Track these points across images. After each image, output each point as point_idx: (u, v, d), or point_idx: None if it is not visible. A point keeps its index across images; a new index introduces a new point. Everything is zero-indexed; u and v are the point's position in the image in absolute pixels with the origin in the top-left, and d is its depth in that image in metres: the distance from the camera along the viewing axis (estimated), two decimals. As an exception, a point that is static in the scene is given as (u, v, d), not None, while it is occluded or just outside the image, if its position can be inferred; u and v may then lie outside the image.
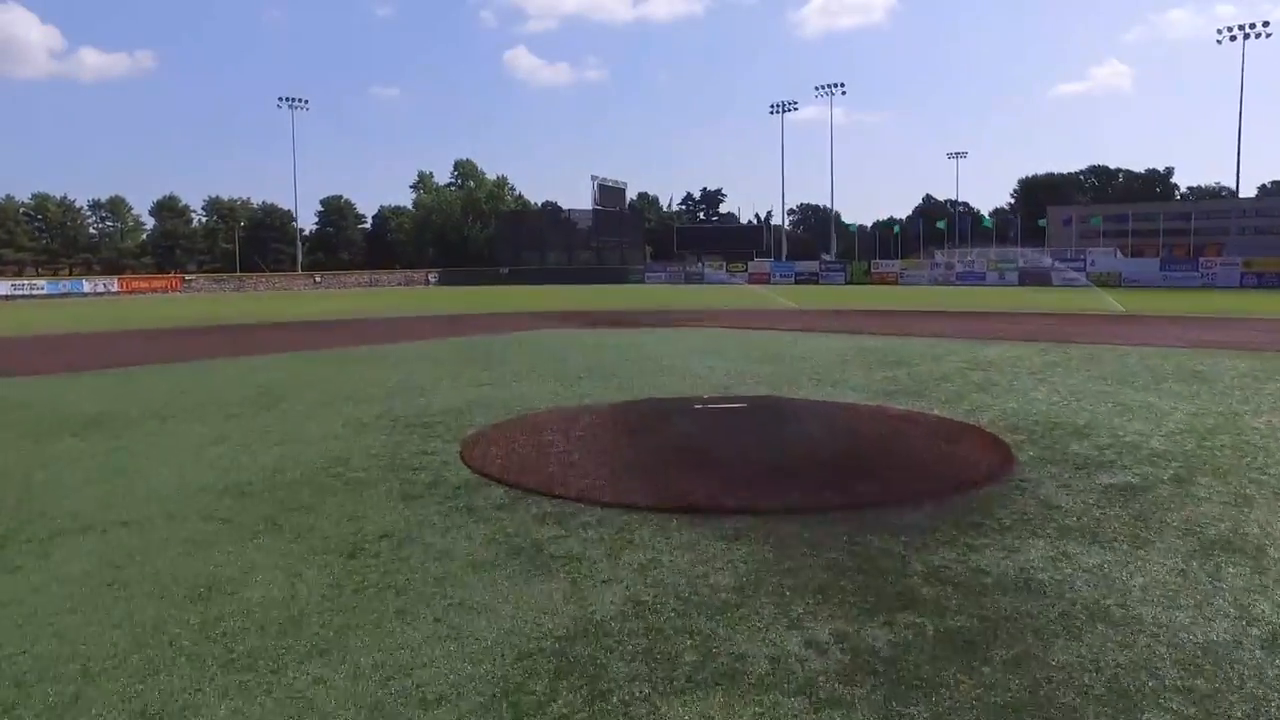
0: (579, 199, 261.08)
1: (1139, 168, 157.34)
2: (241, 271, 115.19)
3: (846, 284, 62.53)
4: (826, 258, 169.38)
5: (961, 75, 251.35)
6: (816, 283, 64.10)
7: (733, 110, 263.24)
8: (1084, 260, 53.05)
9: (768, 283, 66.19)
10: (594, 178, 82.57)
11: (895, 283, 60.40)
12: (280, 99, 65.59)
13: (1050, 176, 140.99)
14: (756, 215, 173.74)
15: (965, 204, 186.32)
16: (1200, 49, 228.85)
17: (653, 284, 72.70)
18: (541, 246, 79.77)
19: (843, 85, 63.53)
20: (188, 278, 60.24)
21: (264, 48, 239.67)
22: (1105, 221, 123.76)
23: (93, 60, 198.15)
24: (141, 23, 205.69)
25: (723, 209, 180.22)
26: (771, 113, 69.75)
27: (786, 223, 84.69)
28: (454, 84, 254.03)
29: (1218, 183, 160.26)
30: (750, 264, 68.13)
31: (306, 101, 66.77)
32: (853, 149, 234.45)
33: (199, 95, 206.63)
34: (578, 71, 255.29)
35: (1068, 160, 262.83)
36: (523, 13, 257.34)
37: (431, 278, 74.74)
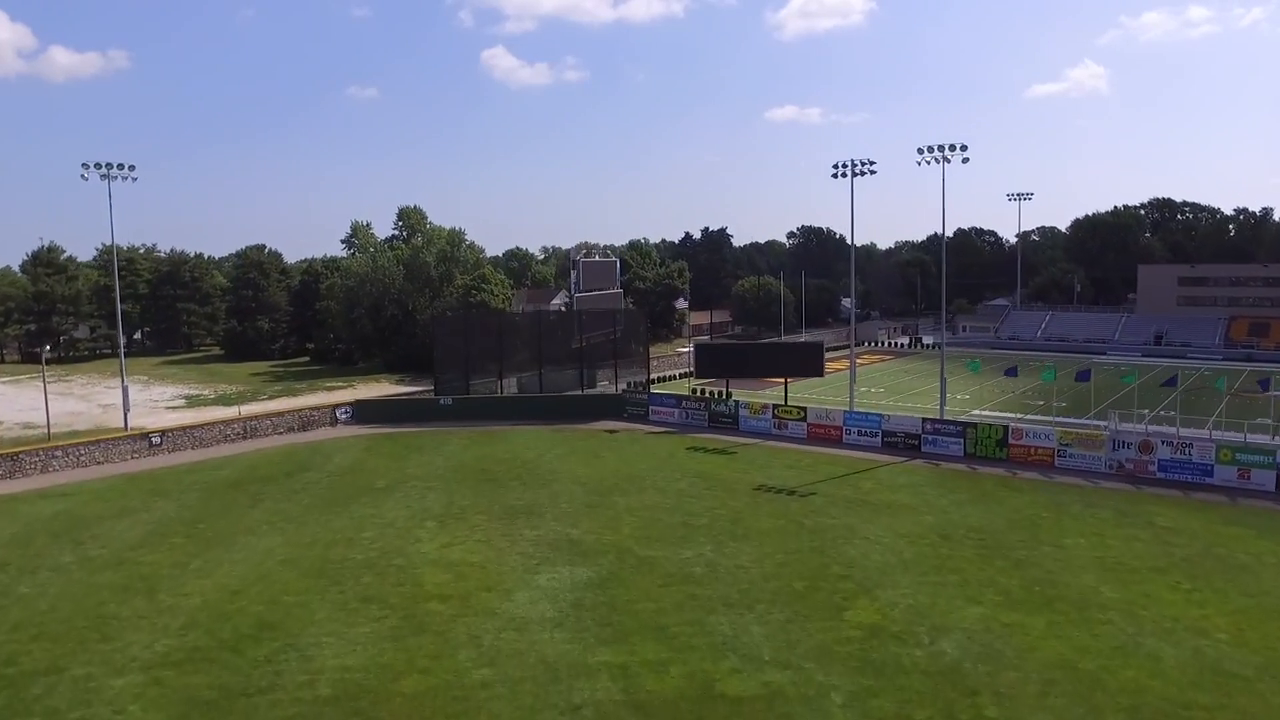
0: (548, 240, 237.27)
1: (1201, 198, 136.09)
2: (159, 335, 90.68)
3: (967, 457, 40.05)
4: (846, 303, 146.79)
5: (938, 76, 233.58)
6: (919, 449, 41.53)
7: (716, 118, 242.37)
8: None
9: (840, 444, 43.66)
10: (572, 255, 60.05)
11: (1050, 463, 38.22)
12: (87, 165, 42.26)
13: (1113, 214, 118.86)
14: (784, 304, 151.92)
15: (993, 233, 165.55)
16: (1176, 50, 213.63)
17: (661, 428, 49.09)
18: (500, 357, 57.05)
19: (965, 148, 41.46)
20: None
21: (239, 51, 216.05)
22: (1206, 286, 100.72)
23: (64, 60, 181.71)
24: (112, 21, 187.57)
25: (728, 233, 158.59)
26: (836, 176, 47.47)
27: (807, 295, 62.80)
28: (431, 86, 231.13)
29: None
30: (809, 410, 45.59)
31: (133, 168, 43.61)
32: (835, 154, 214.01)
33: (149, 104, 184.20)
34: (556, 72, 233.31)
35: (1074, 170, 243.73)
36: (500, 13, 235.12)
37: (342, 413, 51.79)
